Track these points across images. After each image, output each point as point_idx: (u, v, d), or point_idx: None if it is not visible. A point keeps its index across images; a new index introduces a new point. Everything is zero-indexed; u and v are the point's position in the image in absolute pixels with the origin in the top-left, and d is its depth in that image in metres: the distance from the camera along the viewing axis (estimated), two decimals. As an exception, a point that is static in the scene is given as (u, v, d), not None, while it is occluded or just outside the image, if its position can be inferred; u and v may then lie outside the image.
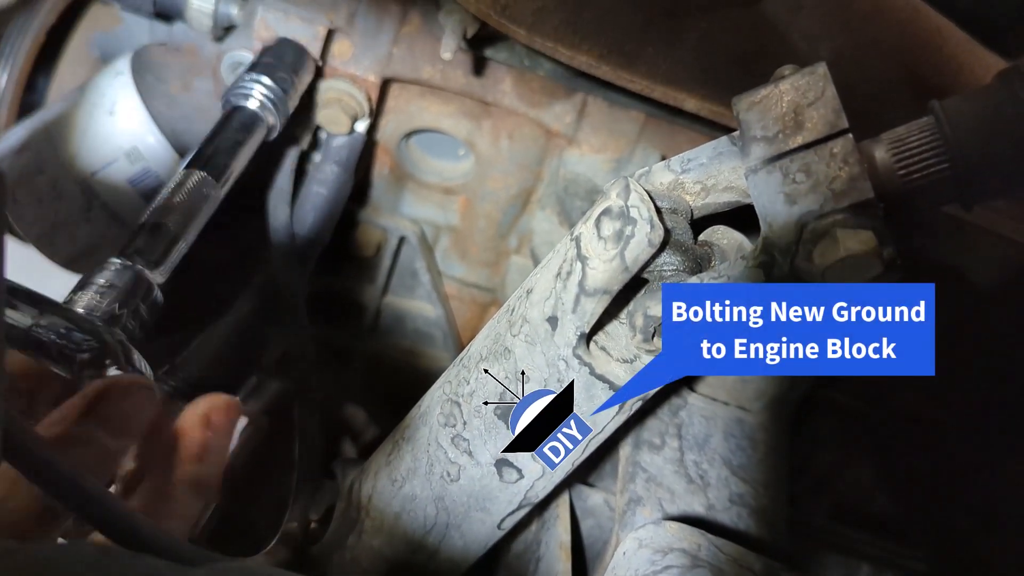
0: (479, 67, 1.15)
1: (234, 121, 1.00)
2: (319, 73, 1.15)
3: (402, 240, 1.33)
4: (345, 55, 1.15)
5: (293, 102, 1.07)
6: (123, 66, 1.12)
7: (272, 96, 1.02)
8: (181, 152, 1.13)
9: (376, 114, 1.20)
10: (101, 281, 0.77)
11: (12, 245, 1.21)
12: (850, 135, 0.63)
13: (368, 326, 1.42)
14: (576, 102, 1.17)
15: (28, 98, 1.22)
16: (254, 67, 1.05)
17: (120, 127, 1.10)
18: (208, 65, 1.17)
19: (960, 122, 0.63)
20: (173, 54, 1.17)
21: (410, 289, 1.39)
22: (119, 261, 0.79)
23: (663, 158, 1.16)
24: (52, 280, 1.29)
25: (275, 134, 1.06)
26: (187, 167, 0.92)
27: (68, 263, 1.18)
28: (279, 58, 1.07)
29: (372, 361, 1.45)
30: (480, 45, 1.11)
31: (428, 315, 1.40)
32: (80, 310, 0.73)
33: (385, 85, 1.18)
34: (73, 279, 1.23)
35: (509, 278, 1.36)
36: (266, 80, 1.02)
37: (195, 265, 1.02)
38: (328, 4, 1.12)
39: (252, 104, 1.02)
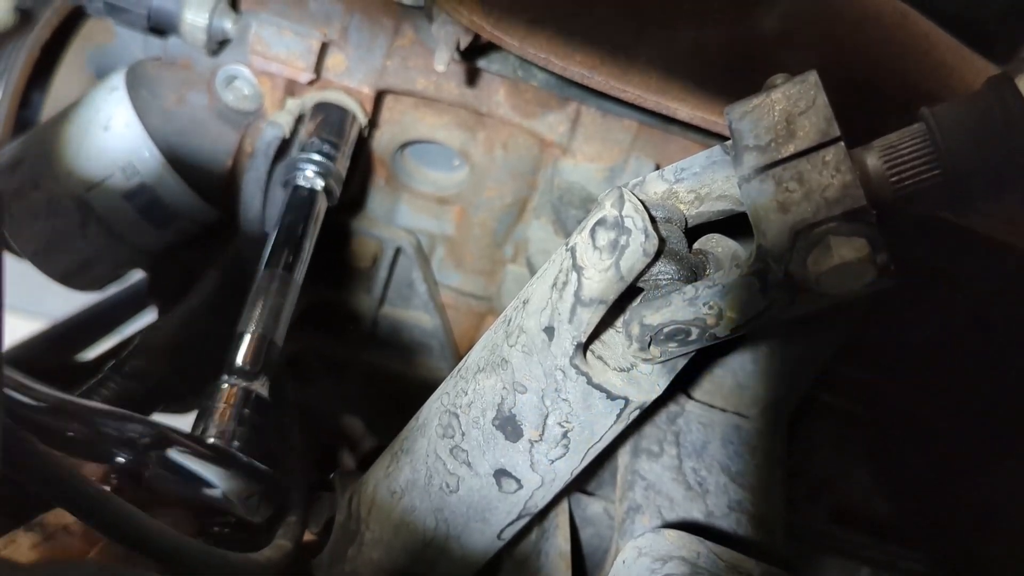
0: (473, 78, 1.16)
1: (297, 204, 1.07)
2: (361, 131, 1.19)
3: (398, 251, 1.33)
4: (339, 68, 1.15)
5: (344, 165, 1.13)
6: (118, 81, 1.12)
7: (324, 169, 1.09)
8: (176, 166, 1.14)
9: (371, 126, 1.21)
10: (215, 406, 0.87)
11: (8, 261, 1.21)
12: (842, 143, 0.63)
13: (365, 337, 1.42)
14: (570, 112, 1.17)
15: (23, 113, 1.22)
16: (304, 142, 1.11)
17: (115, 142, 1.10)
18: (203, 79, 1.17)
19: (951, 129, 0.64)
20: (167, 68, 1.18)
21: (407, 299, 1.39)
22: (226, 381, 0.89)
23: (657, 166, 1.17)
24: (48, 295, 1.29)
25: (335, 201, 1.12)
26: (267, 266, 0.99)
27: (64, 278, 1.18)
28: (324, 126, 1.12)
29: (370, 372, 1.45)
30: (473, 56, 1.12)
31: (425, 325, 1.40)
32: (213, 439, 0.84)
33: (379, 97, 1.18)
34: (68, 293, 1.24)
35: (505, 287, 1.37)
36: (316, 156, 1.08)
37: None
38: (321, 18, 1.13)
39: (309, 183, 1.08)
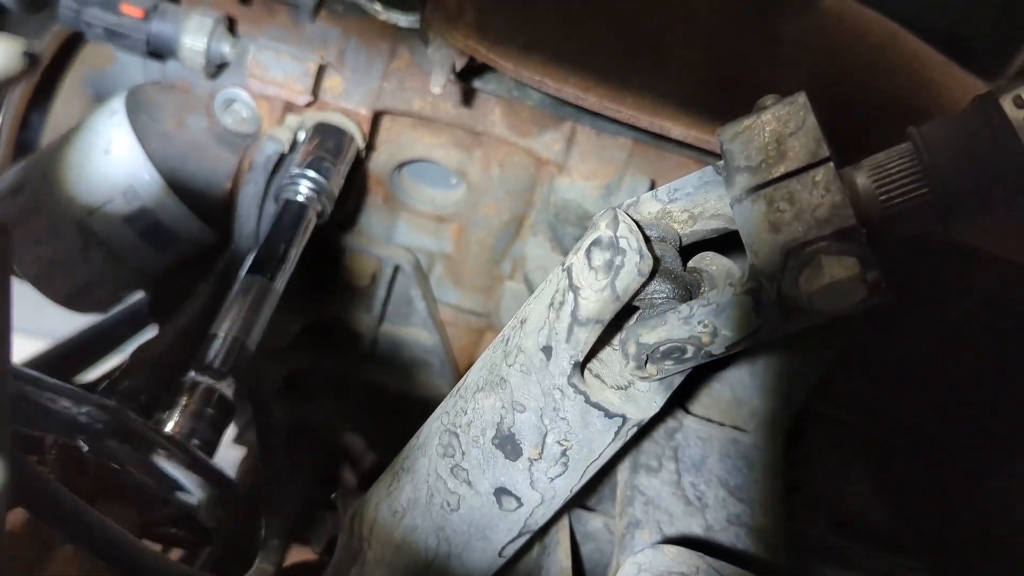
0: (469, 98, 1.17)
1: (286, 217, 1.08)
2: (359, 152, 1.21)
3: (397, 268, 1.34)
4: (336, 90, 1.17)
5: (338, 183, 1.14)
6: (118, 105, 1.14)
7: (318, 187, 1.10)
8: (176, 189, 1.15)
9: (368, 146, 1.22)
10: (178, 401, 0.87)
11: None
12: (831, 163, 0.64)
13: (365, 354, 1.42)
14: (565, 130, 1.19)
15: (23, 135, 1.23)
16: (301, 160, 1.12)
17: (116, 166, 1.11)
18: (202, 102, 1.19)
19: (938, 148, 0.65)
20: (167, 92, 1.19)
21: (406, 317, 1.40)
22: (193, 378, 0.89)
23: (652, 183, 1.18)
24: (47, 315, 1.30)
25: (325, 218, 1.13)
26: (249, 272, 1.00)
27: (66, 301, 1.19)
28: (321, 146, 1.13)
29: (370, 389, 1.46)
30: (469, 77, 1.13)
31: (424, 342, 1.41)
32: (168, 430, 0.84)
33: (377, 118, 1.20)
34: (68, 312, 1.25)
35: (503, 303, 1.38)
36: (311, 173, 1.09)
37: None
38: (318, 41, 1.14)
39: (301, 197, 1.09)
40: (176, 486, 0.77)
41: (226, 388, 0.90)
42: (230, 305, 0.97)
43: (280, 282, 1.02)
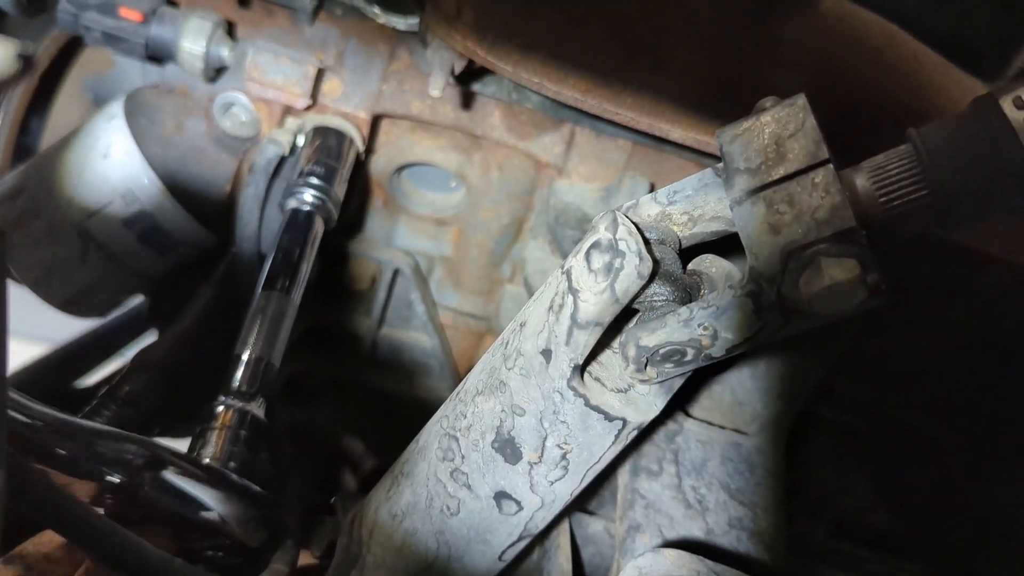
0: (468, 101, 1.17)
1: (295, 226, 1.07)
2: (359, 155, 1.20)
3: (396, 272, 1.34)
4: (335, 93, 1.16)
5: (341, 188, 1.13)
6: (116, 109, 1.13)
7: (323, 193, 1.09)
8: (175, 192, 1.14)
9: (368, 149, 1.22)
10: (212, 427, 0.88)
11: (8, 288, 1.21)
12: (831, 165, 0.64)
13: (365, 358, 1.42)
14: (564, 133, 1.18)
15: (23, 140, 1.23)
16: (303, 165, 1.11)
17: (115, 170, 1.11)
18: (200, 106, 1.19)
19: (938, 149, 0.65)
20: (166, 96, 1.19)
21: (406, 320, 1.40)
22: (224, 402, 0.90)
23: (652, 185, 1.18)
24: (45, 319, 1.30)
25: (332, 225, 1.12)
26: (264, 287, 1.00)
27: (65, 306, 1.19)
28: (322, 150, 1.13)
29: (370, 393, 1.46)
30: (468, 80, 1.13)
31: (424, 346, 1.40)
32: (207, 460, 0.84)
33: (376, 121, 1.20)
34: (67, 317, 1.24)
35: (503, 307, 1.37)
36: (315, 180, 1.09)
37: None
38: (317, 44, 1.14)
39: (307, 206, 1.09)
40: (216, 511, 0.77)
41: (257, 409, 0.91)
42: (250, 324, 0.97)
43: (296, 295, 1.02)
